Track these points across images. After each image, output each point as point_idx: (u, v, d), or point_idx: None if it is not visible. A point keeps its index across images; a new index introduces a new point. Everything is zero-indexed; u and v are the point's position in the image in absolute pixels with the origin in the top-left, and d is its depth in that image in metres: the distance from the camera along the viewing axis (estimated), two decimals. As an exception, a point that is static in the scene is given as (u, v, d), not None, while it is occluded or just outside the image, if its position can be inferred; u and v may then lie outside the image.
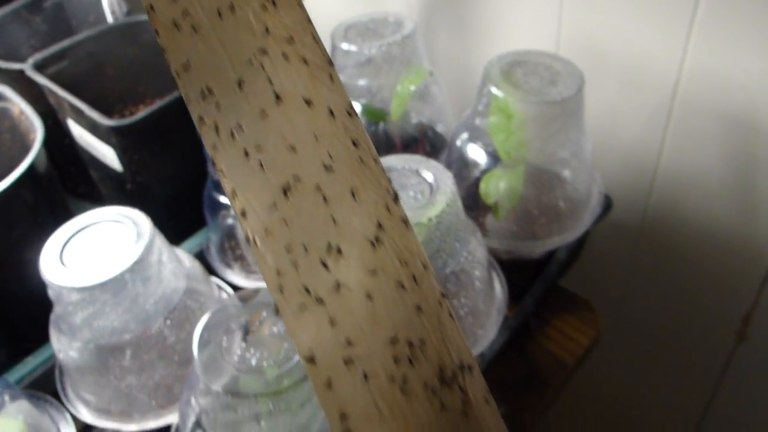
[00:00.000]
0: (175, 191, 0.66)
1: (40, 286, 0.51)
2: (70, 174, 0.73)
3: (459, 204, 0.50)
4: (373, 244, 0.19)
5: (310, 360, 0.18)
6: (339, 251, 0.19)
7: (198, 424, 0.44)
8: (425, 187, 0.50)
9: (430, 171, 0.50)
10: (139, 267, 0.47)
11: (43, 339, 0.57)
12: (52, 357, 0.57)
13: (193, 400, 0.44)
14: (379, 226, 0.19)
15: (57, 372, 0.55)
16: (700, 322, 0.91)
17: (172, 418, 0.52)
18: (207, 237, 0.64)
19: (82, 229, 0.50)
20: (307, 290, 0.19)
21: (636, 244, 0.90)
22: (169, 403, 0.52)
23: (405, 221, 0.20)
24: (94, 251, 0.48)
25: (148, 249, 0.48)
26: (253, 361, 0.41)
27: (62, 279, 0.47)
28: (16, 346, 0.63)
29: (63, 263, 0.48)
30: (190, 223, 0.67)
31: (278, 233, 0.19)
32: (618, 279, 0.94)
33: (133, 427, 0.52)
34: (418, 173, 0.50)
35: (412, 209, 0.48)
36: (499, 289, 0.56)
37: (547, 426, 1.24)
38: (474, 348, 0.53)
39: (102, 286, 0.46)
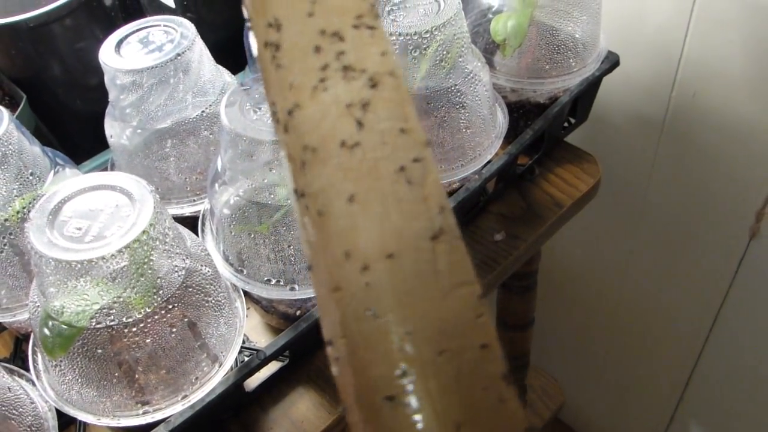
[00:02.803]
0: (225, 36, 0.73)
1: (103, 104, 0.59)
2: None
3: (464, 22, 0.56)
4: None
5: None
6: None
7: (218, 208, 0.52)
8: (434, 6, 0.56)
9: (440, -7, 0.56)
10: (181, 59, 0.55)
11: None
12: (105, 163, 0.66)
13: (216, 186, 0.52)
14: None
15: (108, 167, 0.64)
16: (715, 219, 0.94)
17: (200, 207, 0.59)
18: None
19: (137, 30, 0.58)
20: None
21: (659, 137, 0.93)
22: (201, 191, 0.60)
23: None
24: (146, 47, 0.56)
25: (190, 46, 0.55)
26: (270, 117, 0.48)
27: (116, 63, 0.55)
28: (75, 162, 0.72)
29: (119, 54, 0.56)
30: (236, 70, 0.74)
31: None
32: (641, 175, 0.98)
33: (171, 210, 0.60)
34: (429, -5, 0.56)
35: (419, 22, 0.54)
36: (501, 118, 0.62)
37: (564, 324, 1.29)
38: (472, 164, 0.59)
39: (149, 70, 0.54)
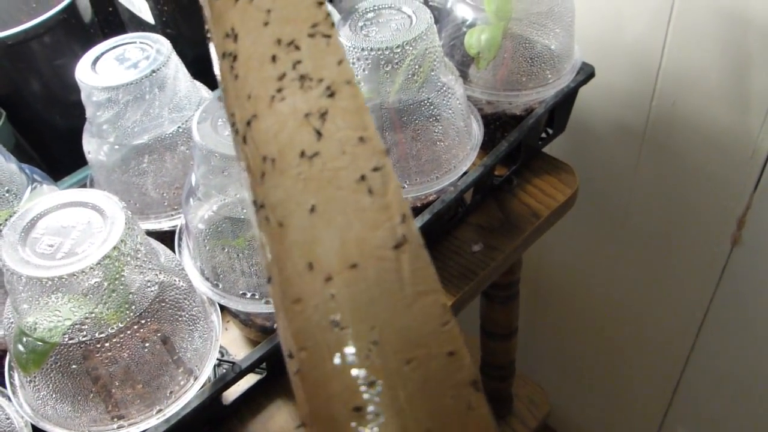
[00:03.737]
0: (204, 51, 0.74)
1: (82, 119, 0.60)
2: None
3: (436, 37, 0.56)
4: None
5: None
6: None
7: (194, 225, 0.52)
8: (406, 21, 0.56)
9: (411, 8, 0.57)
10: (157, 75, 0.55)
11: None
12: (84, 179, 0.66)
13: (190, 201, 0.53)
14: None
15: (87, 183, 0.64)
16: (697, 228, 0.95)
17: (179, 221, 0.60)
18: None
19: (113, 47, 0.58)
20: None
21: (640, 146, 0.94)
22: (179, 205, 0.60)
23: None
24: (122, 63, 0.57)
25: (165, 62, 0.56)
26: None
27: (92, 80, 0.55)
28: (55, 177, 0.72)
29: (95, 71, 0.56)
30: (215, 85, 0.75)
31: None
32: (623, 184, 0.99)
33: (149, 225, 0.60)
34: (401, 11, 0.57)
35: (392, 37, 0.55)
36: (476, 130, 0.62)
37: (553, 331, 1.29)
38: (447, 176, 0.60)
39: (124, 87, 0.55)
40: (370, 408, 0.19)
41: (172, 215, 0.60)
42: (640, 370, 1.20)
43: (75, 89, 0.66)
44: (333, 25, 0.24)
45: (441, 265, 0.65)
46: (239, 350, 0.61)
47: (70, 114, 0.70)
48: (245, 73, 0.23)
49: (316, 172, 0.21)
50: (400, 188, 0.22)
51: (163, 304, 0.47)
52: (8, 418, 0.48)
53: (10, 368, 0.50)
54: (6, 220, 0.53)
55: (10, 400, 0.49)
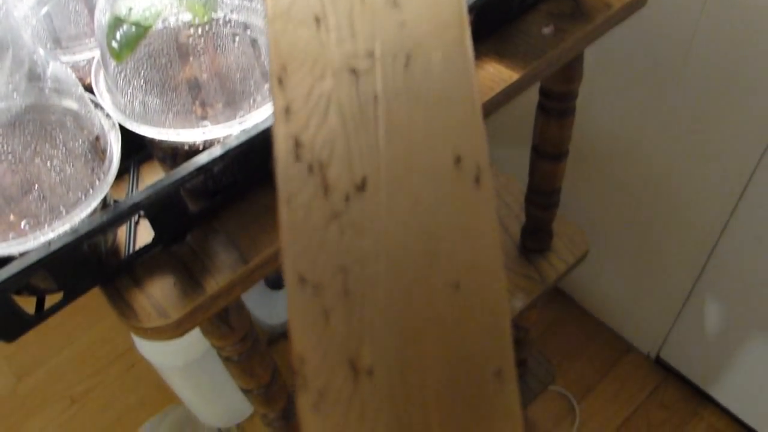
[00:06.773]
0: None
1: None
2: None
3: None
4: None
5: None
6: None
7: None
8: None
9: None
10: None
11: None
12: None
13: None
14: None
15: None
16: (759, 85, 0.93)
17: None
18: None
19: None
20: None
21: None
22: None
23: None
24: None
25: None
26: None
27: None
28: None
29: None
30: None
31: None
32: (685, 29, 0.97)
33: None
34: None
35: None
36: None
37: (600, 199, 1.30)
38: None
39: None
40: None
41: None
42: (677, 234, 1.21)
43: None
44: None
45: (509, 45, 0.65)
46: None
47: None
48: None
49: None
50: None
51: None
52: (101, 121, 0.50)
53: (96, 73, 0.52)
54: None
55: (97, 106, 0.51)
